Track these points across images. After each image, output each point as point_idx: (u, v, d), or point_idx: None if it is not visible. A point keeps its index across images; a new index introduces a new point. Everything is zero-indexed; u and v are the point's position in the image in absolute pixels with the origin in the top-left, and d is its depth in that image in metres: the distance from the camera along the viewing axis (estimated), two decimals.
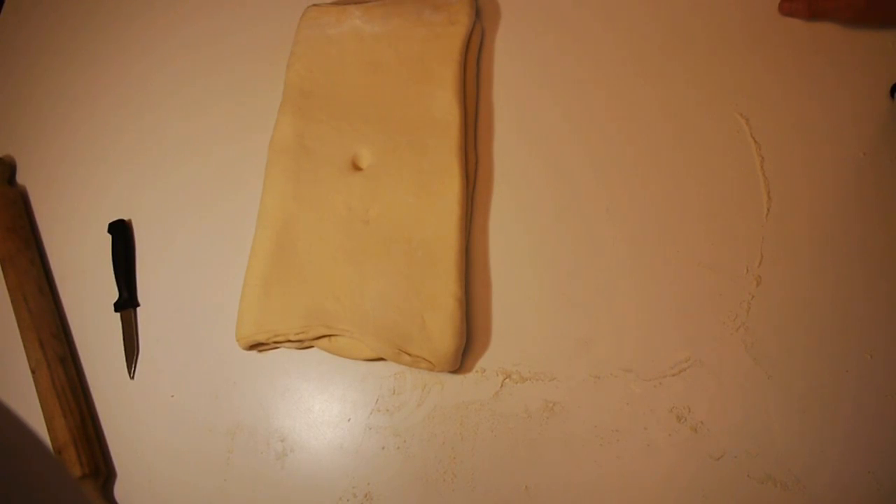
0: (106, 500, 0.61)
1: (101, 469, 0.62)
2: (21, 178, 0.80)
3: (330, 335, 0.59)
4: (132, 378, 0.66)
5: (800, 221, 0.58)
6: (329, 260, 0.61)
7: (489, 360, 0.59)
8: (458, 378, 0.59)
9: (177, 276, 0.69)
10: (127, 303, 0.68)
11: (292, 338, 0.59)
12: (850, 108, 0.61)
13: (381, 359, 0.59)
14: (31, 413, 0.64)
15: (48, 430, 0.63)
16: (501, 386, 0.58)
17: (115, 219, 0.72)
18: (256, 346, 0.62)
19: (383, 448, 0.58)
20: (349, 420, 0.60)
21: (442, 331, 0.57)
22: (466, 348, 0.59)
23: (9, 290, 0.69)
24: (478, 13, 0.71)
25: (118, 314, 0.68)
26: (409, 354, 0.57)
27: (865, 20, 0.62)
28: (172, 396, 0.64)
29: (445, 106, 0.65)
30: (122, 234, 0.71)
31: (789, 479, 0.51)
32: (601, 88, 0.67)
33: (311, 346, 0.61)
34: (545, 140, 0.66)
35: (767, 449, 0.52)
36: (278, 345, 0.61)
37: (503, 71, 0.70)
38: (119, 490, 0.63)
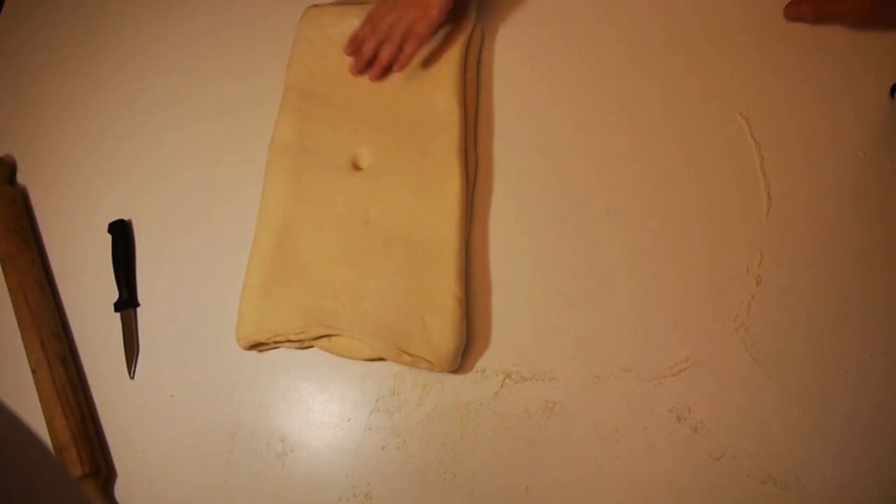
0: (106, 499, 0.61)
1: (101, 469, 0.62)
2: (21, 178, 0.80)
3: (330, 335, 0.59)
4: (132, 378, 0.66)
5: (800, 221, 0.58)
6: (329, 260, 0.61)
7: (489, 360, 0.59)
8: (458, 378, 0.59)
9: (177, 276, 0.69)
10: (127, 303, 0.68)
11: (292, 338, 0.59)
12: (850, 109, 0.61)
13: (381, 359, 0.59)
14: (32, 413, 0.64)
15: (49, 429, 0.63)
16: (501, 386, 0.58)
17: (115, 219, 0.73)
18: (256, 346, 0.62)
19: (383, 448, 0.58)
20: (349, 420, 0.60)
21: (442, 331, 0.57)
22: (466, 348, 0.59)
23: (9, 290, 0.69)
24: (478, 14, 0.71)
25: (118, 314, 0.69)
26: (409, 354, 0.57)
27: (870, 24, 0.62)
28: (172, 396, 0.64)
29: (445, 106, 0.65)
30: (122, 234, 0.71)
31: (789, 479, 0.51)
32: (601, 88, 0.67)
33: (311, 346, 0.61)
34: (545, 140, 0.66)
35: (767, 449, 0.52)
36: (278, 345, 0.61)
37: (503, 71, 0.70)
38: (119, 490, 0.63)
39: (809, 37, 0.64)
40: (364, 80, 0.69)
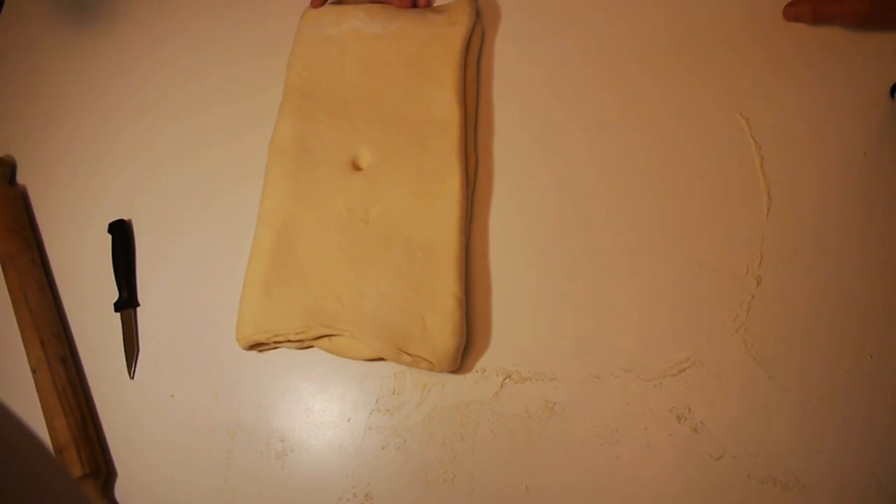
0: (106, 499, 0.61)
1: (101, 469, 0.62)
2: (21, 178, 0.80)
3: (330, 335, 0.59)
4: (132, 378, 0.66)
5: (800, 221, 0.58)
6: (329, 260, 0.61)
7: (489, 360, 0.59)
8: (458, 378, 0.59)
9: (177, 276, 0.69)
10: (127, 303, 0.68)
11: (292, 338, 0.59)
12: (850, 108, 0.61)
13: (381, 359, 0.59)
14: (32, 413, 0.64)
15: (49, 429, 0.63)
16: (501, 386, 0.58)
17: (115, 219, 0.73)
18: (256, 346, 0.62)
19: (383, 448, 0.58)
20: (349, 420, 0.60)
21: (442, 331, 0.57)
22: (466, 348, 0.59)
23: (9, 289, 0.69)
24: (478, 14, 0.71)
25: (118, 314, 0.69)
26: (409, 354, 0.57)
27: (870, 25, 0.62)
28: (172, 396, 0.64)
29: (445, 106, 0.65)
30: (122, 234, 0.71)
31: (789, 479, 0.51)
32: (601, 89, 0.67)
33: (311, 346, 0.61)
34: (545, 140, 0.66)
35: (767, 449, 0.52)
36: (278, 345, 0.61)
37: (503, 71, 0.70)
38: (119, 490, 0.63)
39: (809, 36, 0.64)
40: (364, 80, 0.69)
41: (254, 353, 0.63)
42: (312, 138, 0.66)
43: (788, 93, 0.63)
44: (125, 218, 0.73)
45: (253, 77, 0.76)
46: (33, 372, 0.65)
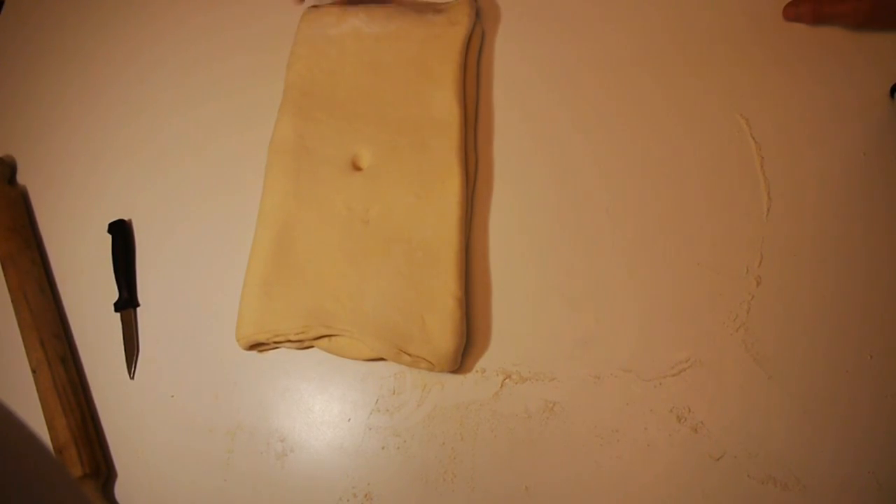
0: (106, 499, 0.61)
1: (101, 469, 0.62)
2: (21, 178, 0.80)
3: (330, 335, 0.59)
4: (132, 378, 0.66)
5: (800, 221, 0.58)
6: (329, 260, 0.61)
7: (489, 360, 0.59)
8: (458, 378, 0.59)
9: (177, 276, 0.69)
10: (127, 303, 0.68)
11: (292, 338, 0.59)
12: (850, 109, 0.61)
13: (381, 359, 0.59)
14: (32, 413, 0.64)
15: (49, 429, 0.63)
16: (501, 386, 0.58)
17: (115, 218, 0.73)
18: (256, 346, 0.62)
19: (383, 448, 0.58)
20: (349, 420, 0.60)
21: (442, 331, 0.57)
22: (466, 348, 0.59)
23: (10, 289, 0.69)
24: (478, 14, 0.71)
25: (118, 314, 0.69)
26: (409, 354, 0.57)
27: (870, 25, 0.62)
28: (172, 396, 0.64)
29: (445, 106, 0.65)
30: (122, 233, 0.71)
31: (789, 479, 0.51)
32: (601, 89, 0.67)
33: (311, 346, 0.61)
34: (545, 140, 0.66)
35: (767, 449, 0.52)
36: (278, 345, 0.61)
37: (503, 71, 0.70)
38: (119, 490, 0.63)
39: (809, 36, 0.64)
40: (364, 80, 0.69)
41: (254, 353, 0.63)
42: (312, 138, 0.66)
43: (788, 93, 0.63)
44: (125, 218, 0.73)
45: (253, 77, 0.76)
46: (33, 372, 0.65)
